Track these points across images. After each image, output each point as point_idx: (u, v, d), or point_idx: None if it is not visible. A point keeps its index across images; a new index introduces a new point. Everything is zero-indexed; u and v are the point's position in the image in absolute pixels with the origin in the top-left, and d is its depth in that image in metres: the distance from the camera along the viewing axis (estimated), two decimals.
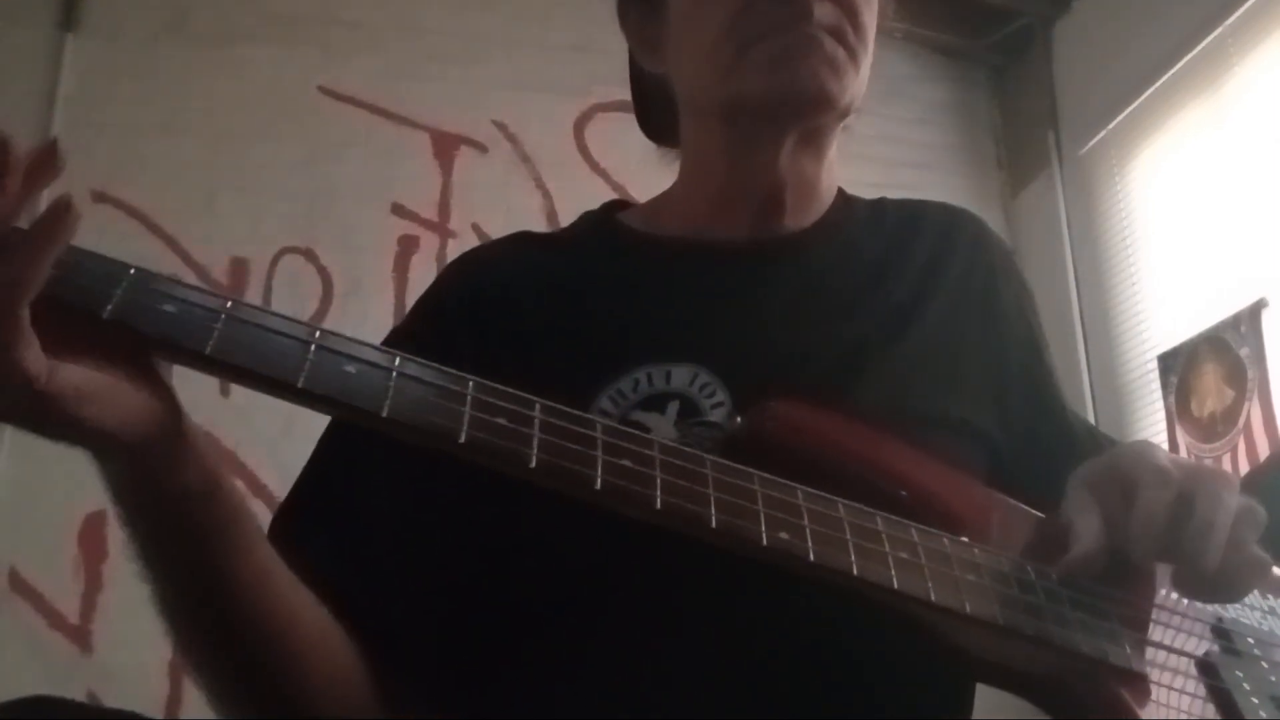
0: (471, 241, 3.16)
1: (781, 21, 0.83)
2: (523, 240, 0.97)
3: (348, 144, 3.23)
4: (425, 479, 0.77)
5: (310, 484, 0.83)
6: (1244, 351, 2.73)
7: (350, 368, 0.57)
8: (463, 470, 0.76)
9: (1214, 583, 0.72)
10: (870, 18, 0.87)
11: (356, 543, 0.77)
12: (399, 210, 3.22)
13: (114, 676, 2.62)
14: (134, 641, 2.64)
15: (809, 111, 0.86)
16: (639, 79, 0.99)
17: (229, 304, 0.57)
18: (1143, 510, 0.70)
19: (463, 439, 0.58)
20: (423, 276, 3.12)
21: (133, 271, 0.55)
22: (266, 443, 2.69)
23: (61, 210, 0.51)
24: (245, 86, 3.20)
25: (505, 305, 0.86)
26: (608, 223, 0.96)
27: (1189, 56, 2.98)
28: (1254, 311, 2.71)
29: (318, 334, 0.58)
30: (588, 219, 0.97)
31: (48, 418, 0.53)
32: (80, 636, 2.71)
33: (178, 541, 0.63)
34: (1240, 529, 0.72)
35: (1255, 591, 0.82)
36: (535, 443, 0.59)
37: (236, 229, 3.05)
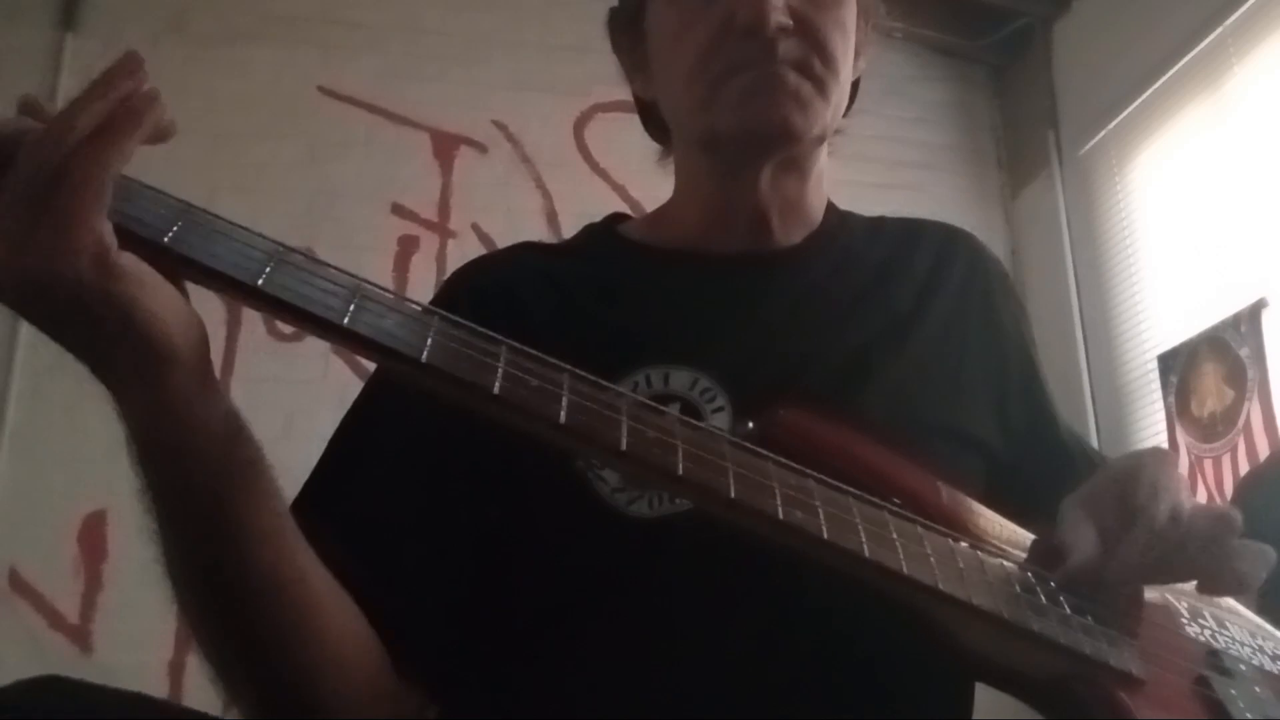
0: (471, 241, 3.18)
1: (748, 58, 0.84)
2: (526, 249, 0.99)
3: (348, 144, 3.23)
4: (441, 470, 0.79)
5: (326, 472, 0.83)
6: (1244, 351, 2.73)
7: (392, 318, 0.60)
8: (476, 465, 0.76)
9: (1214, 580, 0.74)
10: (840, 45, 0.88)
11: (371, 531, 0.78)
12: (399, 210, 3.22)
13: (114, 676, 2.58)
14: (134, 641, 2.64)
15: (777, 147, 0.87)
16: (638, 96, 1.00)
17: (281, 248, 0.60)
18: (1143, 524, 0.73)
19: (496, 390, 0.59)
20: (423, 276, 3.12)
21: (191, 207, 0.59)
22: (266, 443, 2.66)
23: (152, 96, 0.58)
24: (245, 86, 3.20)
25: (509, 310, 0.86)
26: (609, 233, 0.98)
27: (1189, 56, 2.98)
28: (1254, 311, 2.71)
29: (363, 285, 0.61)
30: (589, 230, 0.99)
31: (109, 295, 0.56)
32: (80, 636, 2.71)
33: (197, 483, 0.63)
34: (1215, 538, 0.74)
35: (1245, 631, 0.84)
36: (565, 401, 0.61)
37: None
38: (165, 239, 0.57)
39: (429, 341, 0.59)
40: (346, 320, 0.58)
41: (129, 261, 0.57)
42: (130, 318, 0.57)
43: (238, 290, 0.57)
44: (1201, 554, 0.73)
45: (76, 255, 0.54)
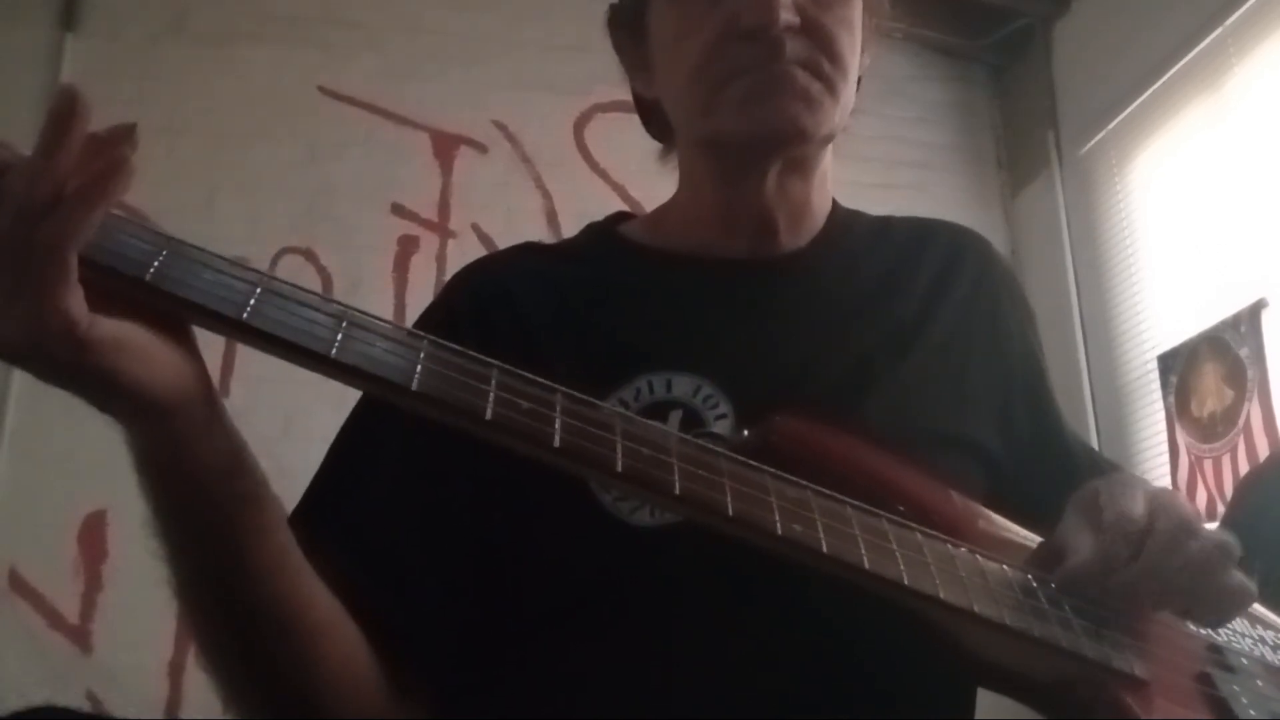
0: (471, 241, 3.18)
1: (753, 60, 0.83)
2: (527, 250, 0.97)
3: (348, 144, 3.23)
4: (442, 477, 0.78)
5: (326, 481, 0.83)
6: (1244, 351, 2.73)
7: (381, 344, 0.59)
8: (477, 472, 0.76)
9: (1197, 610, 0.74)
10: (849, 45, 0.87)
11: (372, 540, 0.78)
12: (399, 210, 3.23)
13: (114, 676, 2.62)
14: (134, 641, 2.64)
15: (785, 147, 0.86)
16: (637, 94, 0.99)
17: (265, 278, 0.59)
18: (1104, 540, 0.72)
19: (488, 416, 0.59)
20: (423, 277, 3.12)
21: (172, 240, 0.57)
22: (265, 443, 2.65)
23: (118, 164, 0.54)
24: (245, 86, 3.20)
25: (510, 313, 0.86)
26: (611, 234, 0.96)
27: (1189, 56, 2.98)
28: (1254, 311, 2.71)
29: (349, 312, 0.60)
30: (591, 230, 0.98)
31: (85, 368, 0.54)
32: (80, 636, 2.71)
33: (200, 517, 0.63)
34: (1213, 559, 0.72)
35: (1245, 621, 0.83)
36: (558, 424, 0.60)
37: (236, 229, 3.05)
38: (146, 276, 0.55)
39: (418, 368, 0.59)
40: (334, 352, 0.57)
41: (105, 330, 0.54)
42: (112, 387, 0.56)
43: (222, 324, 0.57)
44: (1193, 574, 0.72)
45: (45, 338, 0.53)
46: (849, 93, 0.88)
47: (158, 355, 0.57)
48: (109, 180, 0.53)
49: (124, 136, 0.55)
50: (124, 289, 0.55)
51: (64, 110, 0.53)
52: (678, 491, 0.61)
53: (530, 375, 0.62)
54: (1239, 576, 0.73)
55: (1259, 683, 0.77)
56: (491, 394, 0.60)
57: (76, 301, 0.53)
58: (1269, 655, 0.82)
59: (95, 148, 0.54)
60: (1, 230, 0.52)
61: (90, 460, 2.45)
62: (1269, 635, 0.84)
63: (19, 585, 2.71)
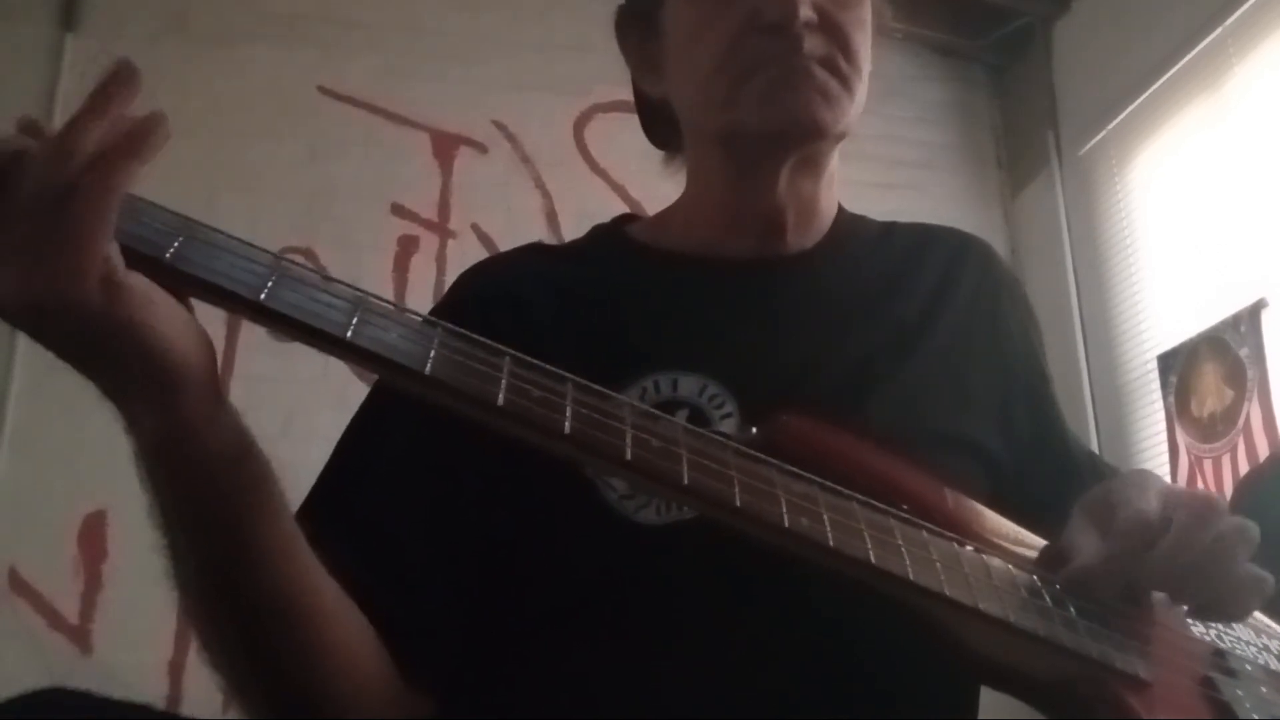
0: (471, 241, 3.18)
1: (773, 54, 0.84)
2: (534, 251, 0.98)
3: (348, 144, 3.23)
4: (449, 475, 0.79)
5: (333, 476, 0.83)
6: (1244, 351, 2.73)
7: (396, 330, 0.60)
8: (484, 468, 0.76)
9: (1212, 603, 0.74)
10: (863, 44, 0.88)
11: (378, 537, 0.78)
12: (399, 210, 3.22)
13: (114, 676, 2.62)
14: (134, 641, 2.64)
15: (803, 141, 0.87)
16: (642, 94, 0.99)
17: (282, 262, 0.60)
18: (1116, 541, 0.72)
19: (500, 402, 0.59)
20: (423, 277, 3.12)
21: (191, 222, 0.59)
22: (265, 442, 2.66)
23: (156, 121, 0.57)
24: (245, 86, 3.20)
25: (516, 313, 0.86)
26: (617, 235, 0.97)
27: (1189, 56, 2.98)
28: (1254, 311, 2.71)
29: (365, 298, 0.60)
30: (597, 231, 0.99)
31: (120, 316, 0.55)
32: (80, 636, 2.71)
33: (206, 504, 0.63)
34: (1231, 547, 0.72)
35: (1250, 630, 0.84)
36: (569, 412, 0.61)
37: (236, 229, 2.99)
38: (167, 255, 0.56)
39: (432, 354, 0.59)
40: (349, 334, 0.58)
41: (137, 282, 0.56)
42: (141, 342, 0.56)
43: (240, 305, 0.57)
44: (1206, 569, 0.72)
45: (84, 280, 0.54)
46: (862, 92, 0.89)
47: (181, 319, 0.59)
48: (149, 131, 0.56)
49: (156, 121, 0.57)
50: (143, 269, 0.56)
51: (122, 77, 0.56)
52: (685, 482, 0.61)
53: (542, 364, 0.63)
54: (1253, 568, 0.73)
55: (1262, 688, 0.78)
56: (504, 380, 0.60)
57: (115, 250, 0.55)
58: (1273, 663, 0.82)
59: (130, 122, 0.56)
60: (41, 182, 0.54)
61: (90, 460, 2.45)
62: (1273, 644, 0.84)
63: (19, 585, 2.71)
